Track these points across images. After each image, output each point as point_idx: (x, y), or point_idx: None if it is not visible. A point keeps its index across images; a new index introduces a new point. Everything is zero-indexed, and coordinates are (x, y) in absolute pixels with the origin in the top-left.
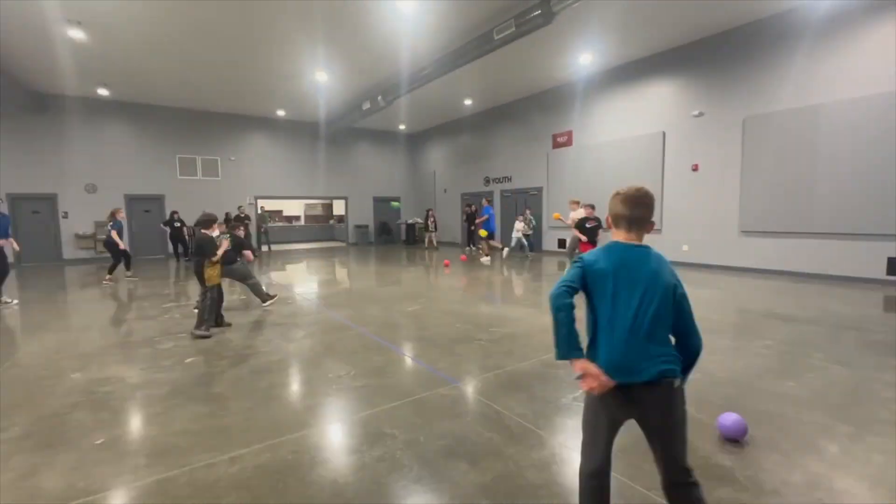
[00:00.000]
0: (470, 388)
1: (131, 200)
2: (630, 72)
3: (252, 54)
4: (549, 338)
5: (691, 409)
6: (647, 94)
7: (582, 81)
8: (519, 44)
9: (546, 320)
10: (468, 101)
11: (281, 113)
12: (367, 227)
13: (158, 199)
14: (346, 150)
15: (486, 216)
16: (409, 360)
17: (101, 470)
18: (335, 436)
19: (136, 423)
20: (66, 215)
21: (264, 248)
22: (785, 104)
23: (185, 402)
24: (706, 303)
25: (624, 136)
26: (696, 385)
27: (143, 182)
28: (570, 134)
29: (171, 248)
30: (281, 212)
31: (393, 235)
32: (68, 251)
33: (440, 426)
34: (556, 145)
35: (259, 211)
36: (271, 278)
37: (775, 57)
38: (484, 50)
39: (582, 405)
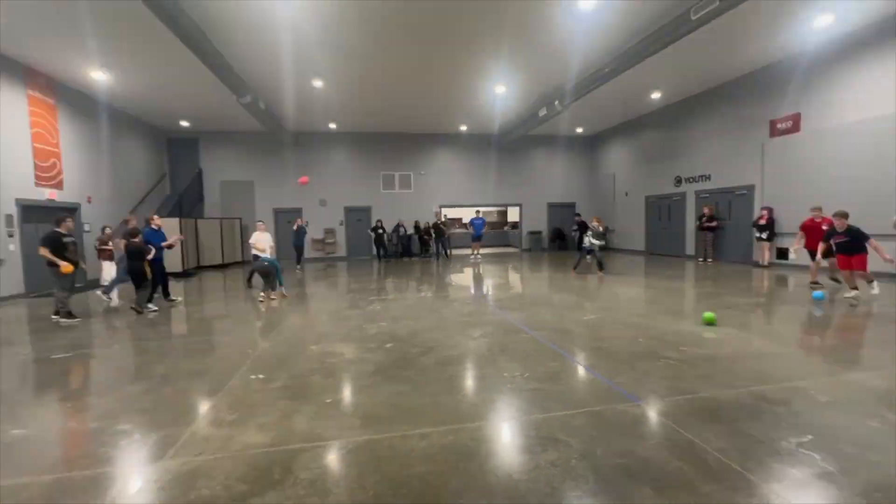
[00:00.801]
0: (654, 410)
1: (349, 211)
2: (892, 28)
3: (444, 83)
4: (760, 365)
5: None
6: None
7: (811, 53)
8: (722, 19)
9: (757, 344)
10: (656, 95)
11: (463, 128)
12: (540, 233)
13: (367, 210)
14: (520, 157)
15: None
16: (583, 370)
17: (330, 423)
18: (509, 432)
19: (351, 391)
20: (307, 224)
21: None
22: None
23: (386, 380)
24: None
25: (882, 112)
26: None
27: (357, 196)
28: (796, 118)
29: (374, 250)
30: (460, 219)
31: (567, 242)
32: (307, 251)
33: (619, 443)
34: (776, 133)
35: (443, 218)
36: (451, 279)
37: None
38: (677, 35)
39: (811, 453)
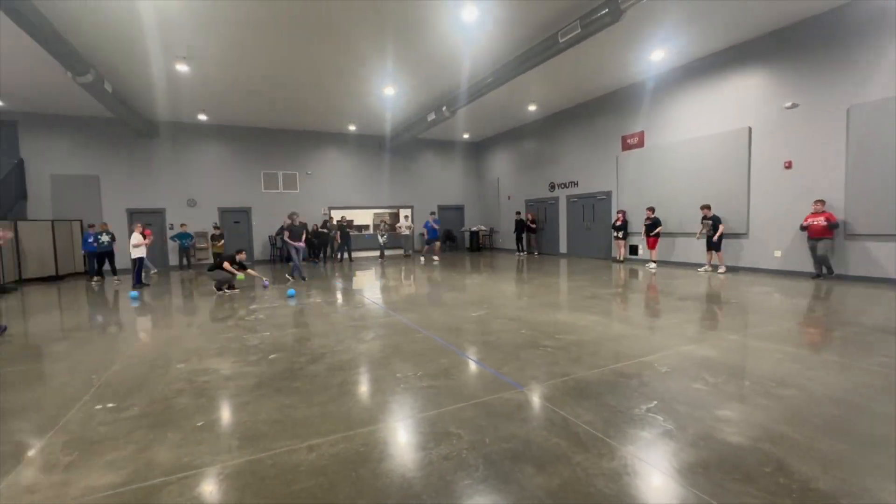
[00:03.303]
0: (535, 394)
1: (223, 212)
2: (707, 66)
3: (330, 77)
4: (619, 346)
5: (785, 427)
6: (729, 88)
7: (653, 79)
8: (585, 45)
9: (617, 328)
10: (532, 107)
11: (352, 128)
12: None
13: (245, 212)
14: (411, 160)
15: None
16: (473, 364)
17: (202, 448)
18: (403, 432)
19: (229, 410)
20: (171, 227)
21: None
22: None
23: (270, 394)
24: (803, 314)
25: (702, 133)
26: (791, 402)
27: (233, 196)
28: (641, 135)
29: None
30: (352, 221)
31: (457, 243)
32: (173, 258)
33: (505, 429)
34: (626, 147)
35: (333, 220)
36: (345, 283)
37: (886, 38)
38: (548, 54)
39: (655, 416)
